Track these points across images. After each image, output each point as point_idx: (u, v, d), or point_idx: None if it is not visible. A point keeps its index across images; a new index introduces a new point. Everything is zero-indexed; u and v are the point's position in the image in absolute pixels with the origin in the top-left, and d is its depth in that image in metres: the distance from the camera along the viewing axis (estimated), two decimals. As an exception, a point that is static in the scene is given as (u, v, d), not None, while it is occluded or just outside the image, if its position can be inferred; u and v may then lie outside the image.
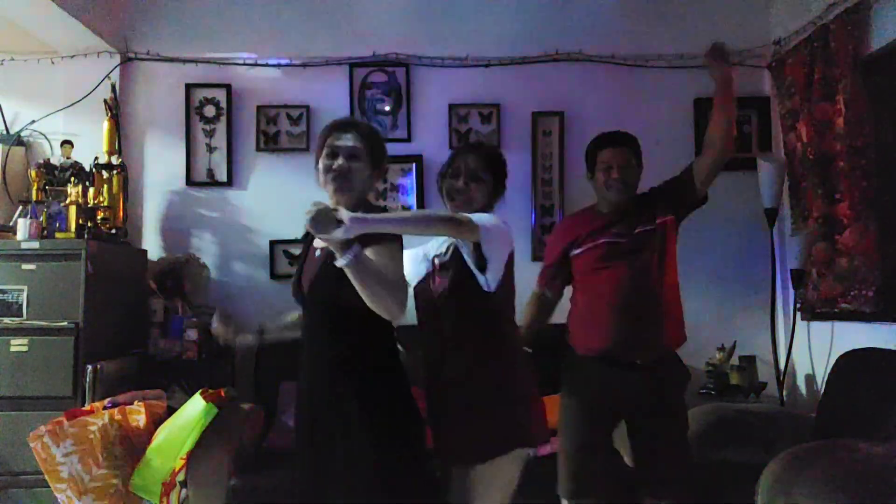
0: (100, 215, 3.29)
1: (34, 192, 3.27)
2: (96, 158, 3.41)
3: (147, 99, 3.72)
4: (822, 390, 2.94)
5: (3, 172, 3.55)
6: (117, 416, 2.71)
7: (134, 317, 3.36)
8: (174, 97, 3.71)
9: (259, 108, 3.71)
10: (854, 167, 2.94)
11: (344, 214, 1.55)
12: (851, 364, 2.76)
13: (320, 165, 1.86)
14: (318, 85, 3.73)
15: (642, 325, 2.29)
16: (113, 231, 3.34)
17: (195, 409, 2.76)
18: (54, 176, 3.34)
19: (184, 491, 2.65)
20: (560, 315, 2.57)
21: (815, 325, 3.29)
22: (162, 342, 3.29)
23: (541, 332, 2.57)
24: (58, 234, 3.12)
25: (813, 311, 3.28)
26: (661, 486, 2.29)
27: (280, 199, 3.65)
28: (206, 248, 3.67)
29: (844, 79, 2.99)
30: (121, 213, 3.44)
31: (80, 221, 3.16)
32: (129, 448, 2.69)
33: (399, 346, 1.89)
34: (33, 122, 3.68)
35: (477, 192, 2.01)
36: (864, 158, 2.91)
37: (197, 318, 3.35)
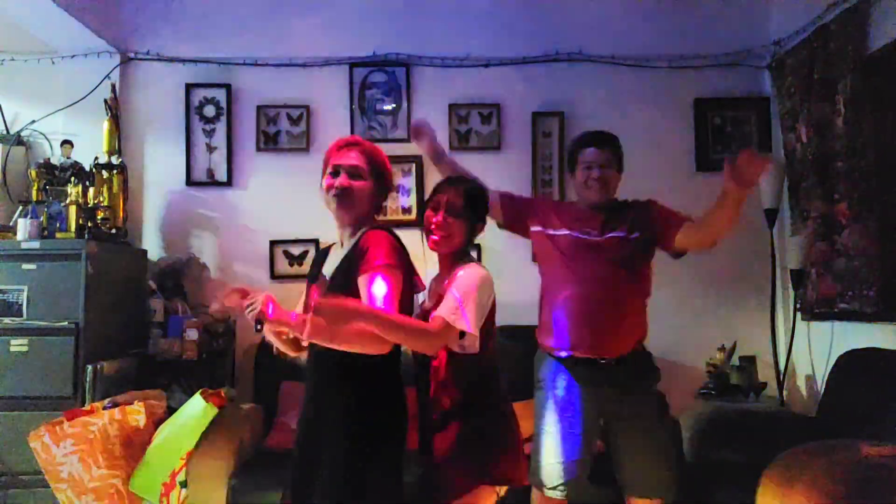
0: (100, 215, 3.29)
1: (34, 192, 3.27)
2: (96, 158, 3.41)
3: (147, 99, 3.72)
4: (822, 390, 2.95)
5: (4, 172, 3.55)
6: (117, 416, 2.71)
7: (134, 317, 3.36)
8: (174, 97, 3.71)
9: (259, 108, 3.71)
10: (853, 167, 2.94)
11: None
12: (851, 364, 2.77)
13: (324, 184, 1.87)
14: (318, 85, 3.72)
15: (601, 326, 2.29)
16: (113, 231, 3.34)
17: (195, 409, 2.76)
18: (54, 176, 3.34)
19: (184, 491, 2.65)
20: (532, 317, 2.55)
21: (815, 325, 3.29)
22: (162, 342, 3.28)
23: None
24: (58, 234, 3.12)
25: (812, 311, 3.28)
26: (639, 485, 2.30)
27: (280, 199, 3.65)
28: (206, 248, 3.67)
29: (844, 79, 2.99)
30: (121, 213, 3.44)
31: (80, 221, 3.16)
32: (129, 448, 2.69)
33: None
34: (33, 122, 3.68)
35: (456, 228, 2.00)
36: (863, 159, 2.91)
37: (197, 318, 3.35)
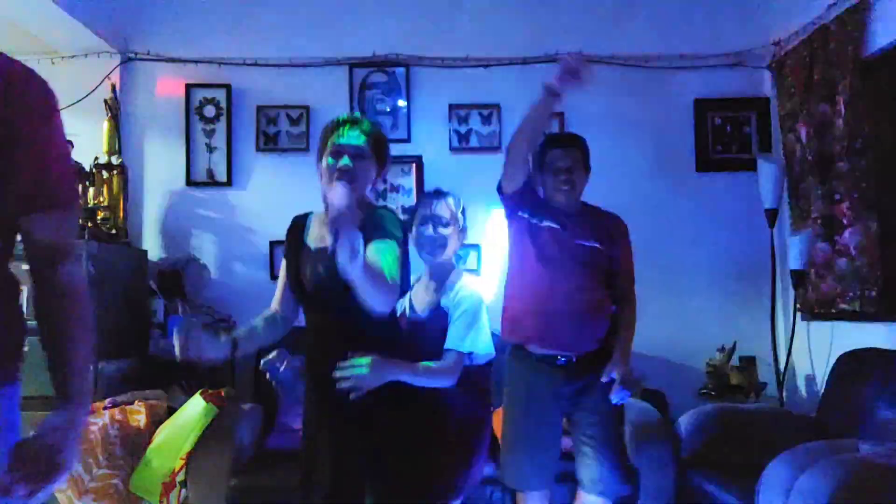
0: (100, 215, 3.29)
1: (34, 193, 3.27)
2: (96, 158, 3.41)
3: (147, 99, 3.72)
4: (822, 390, 2.95)
5: (3, 172, 3.54)
6: (118, 416, 2.72)
7: (134, 317, 3.36)
8: (174, 97, 3.71)
9: (259, 108, 3.71)
10: (854, 168, 2.94)
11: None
12: (851, 364, 2.76)
13: (324, 164, 1.84)
14: (318, 85, 3.72)
15: (572, 324, 2.30)
16: (113, 231, 3.34)
17: (195, 409, 2.76)
18: (54, 176, 3.33)
19: (184, 491, 2.66)
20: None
21: (815, 325, 3.29)
22: (162, 342, 3.28)
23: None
24: (58, 235, 3.12)
25: (813, 311, 3.28)
26: (591, 483, 2.30)
27: (280, 199, 3.64)
28: (206, 248, 3.67)
29: (844, 79, 2.98)
30: (121, 214, 3.44)
31: (81, 221, 3.16)
32: (129, 448, 2.70)
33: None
34: (33, 122, 3.68)
35: (448, 238, 2.13)
36: (863, 159, 2.91)
37: (197, 319, 3.35)
